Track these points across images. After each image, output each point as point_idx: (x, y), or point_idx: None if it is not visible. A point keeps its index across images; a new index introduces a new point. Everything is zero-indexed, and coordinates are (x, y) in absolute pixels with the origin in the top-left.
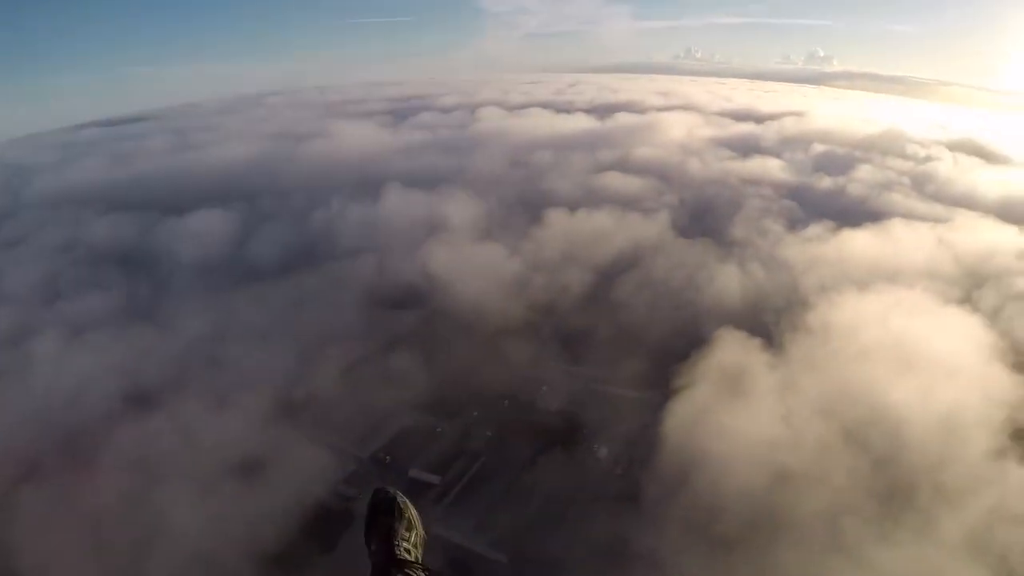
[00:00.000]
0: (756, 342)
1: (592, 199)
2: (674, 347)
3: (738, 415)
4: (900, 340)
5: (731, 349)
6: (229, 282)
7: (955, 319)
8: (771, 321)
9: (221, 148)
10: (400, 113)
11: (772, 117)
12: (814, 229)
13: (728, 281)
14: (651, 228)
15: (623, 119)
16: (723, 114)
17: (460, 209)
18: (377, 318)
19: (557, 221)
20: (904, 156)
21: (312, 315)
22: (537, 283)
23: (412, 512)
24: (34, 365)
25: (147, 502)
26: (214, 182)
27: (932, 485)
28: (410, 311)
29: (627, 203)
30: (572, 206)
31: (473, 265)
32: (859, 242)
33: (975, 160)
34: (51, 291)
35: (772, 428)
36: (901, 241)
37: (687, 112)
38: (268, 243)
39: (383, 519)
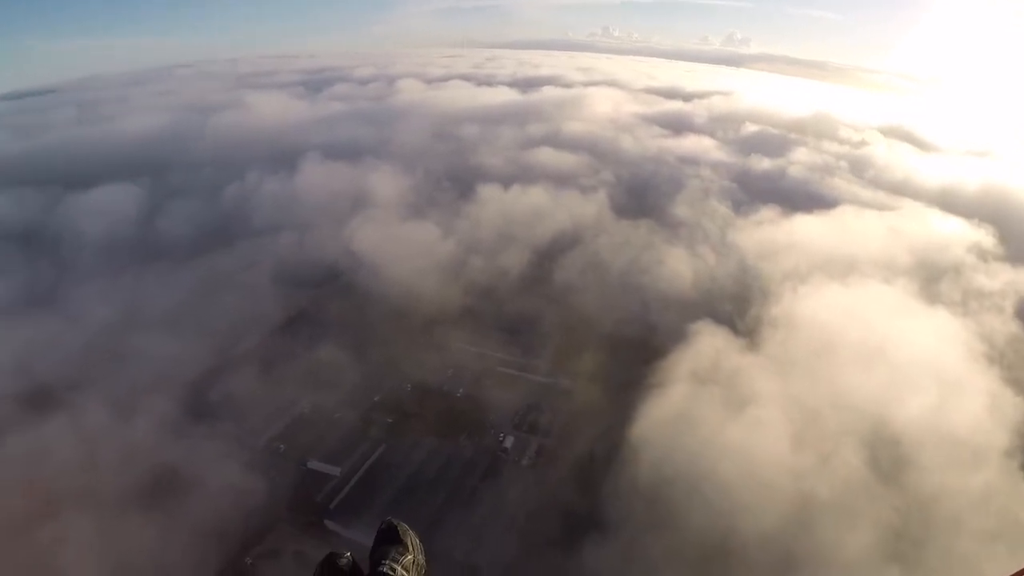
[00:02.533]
0: (730, 337)
1: (525, 175)
2: (622, 335)
3: (719, 417)
4: (882, 339)
5: (706, 342)
6: (136, 263)
7: (928, 315)
8: (735, 311)
9: (128, 121)
10: (313, 84)
11: (699, 96)
12: (763, 213)
13: (678, 265)
14: (590, 207)
15: (549, 93)
16: (649, 91)
17: (385, 183)
18: (292, 300)
19: (489, 197)
20: (838, 140)
21: (222, 299)
22: (466, 263)
23: (412, 539)
24: None
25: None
26: (122, 156)
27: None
28: (324, 291)
29: (562, 180)
30: (504, 182)
31: (400, 243)
32: (811, 228)
33: (907, 147)
34: None
35: (767, 437)
36: (853, 229)
37: (612, 88)
38: (179, 220)
39: (382, 547)
